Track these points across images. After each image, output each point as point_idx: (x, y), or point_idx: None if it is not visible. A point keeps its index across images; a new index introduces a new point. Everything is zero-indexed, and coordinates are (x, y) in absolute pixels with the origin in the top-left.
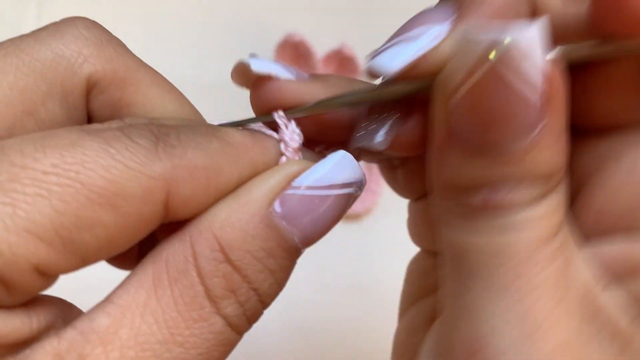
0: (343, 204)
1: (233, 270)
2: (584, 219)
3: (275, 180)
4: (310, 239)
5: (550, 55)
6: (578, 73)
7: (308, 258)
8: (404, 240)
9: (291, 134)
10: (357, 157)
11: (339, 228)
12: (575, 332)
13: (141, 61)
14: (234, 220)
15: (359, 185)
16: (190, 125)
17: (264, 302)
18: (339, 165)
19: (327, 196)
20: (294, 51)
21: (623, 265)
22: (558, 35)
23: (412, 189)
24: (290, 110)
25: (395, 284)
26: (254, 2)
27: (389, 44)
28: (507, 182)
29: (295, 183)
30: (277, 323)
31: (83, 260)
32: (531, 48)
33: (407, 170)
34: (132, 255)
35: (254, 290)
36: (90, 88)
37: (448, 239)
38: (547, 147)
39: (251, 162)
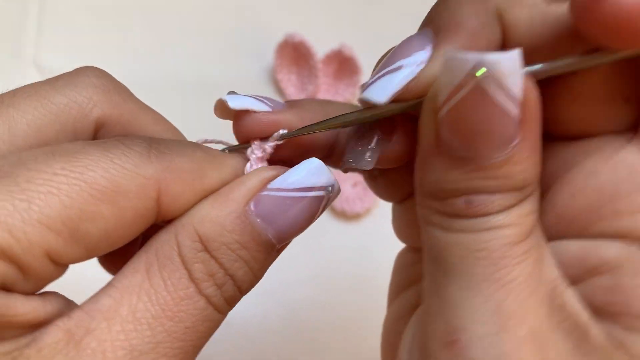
0: (314, 206)
1: (210, 258)
2: (547, 220)
3: (252, 183)
4: (284, 236)
5: (525, 75)
6: (547, 84)
7: (308, 258)
8: None
9: (258, 158)
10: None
11: (339, 228)
12: (543, 322)
13: (144, 104)
14: (212, 216)
15: (331, 189)
16: (181, 141)
17: (240, 287)
18: (310, 171)
19: (299, 198)
20: (294, 51)
21: (578, 267)
22: (526, 55)
23: (393, 195)
24: (266, 138)
25: None
26: (254, 2)
27: (377, 76)
28: (484, 191)
29: (270, 186)
30: (277, 323)
31: (87, 250)
32: (512, 68)
33: (387, 179)
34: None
35: (229, 277)
36: (99, 128)
37: (430, 237)
38: (522, 160)
39: (231, 168)
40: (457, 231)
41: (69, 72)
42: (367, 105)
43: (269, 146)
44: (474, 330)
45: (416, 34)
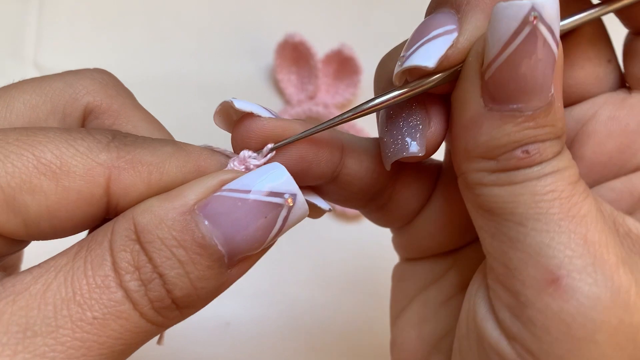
0: (268, 211)
1: (140, 250)
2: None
3: (209, 183)
4: (233, 245)
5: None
6: None
7: (308, 258)
8: None
9: (248, 160)
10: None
11: (339, 228)
12: (620, 249)
13: (138, 104)
14: (154, 208)
15: (290, 197)
16: (159, 138)
17: (171, 291)
18: (269, 174)
19: (251, 200)
20: (294, 51)
21: (627, 200)
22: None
23: (392, 224)
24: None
25: None
26: (254, 2)
27: (415, 47)
28: (537, 140)
29: (225, 187)
30: (277, 323)
31: (25, 223)
32: (557, 12)
33: (384, 214)
34: None
35: (158, 275)
36: (87, 114)
37: (487, 199)
38: (559, 108)
39: (198, 168)
40: (521, 181)
41: (78, 69)
42: (414, 73)
43: (254, 157)
44: (572, 264)
45: (436, 13)
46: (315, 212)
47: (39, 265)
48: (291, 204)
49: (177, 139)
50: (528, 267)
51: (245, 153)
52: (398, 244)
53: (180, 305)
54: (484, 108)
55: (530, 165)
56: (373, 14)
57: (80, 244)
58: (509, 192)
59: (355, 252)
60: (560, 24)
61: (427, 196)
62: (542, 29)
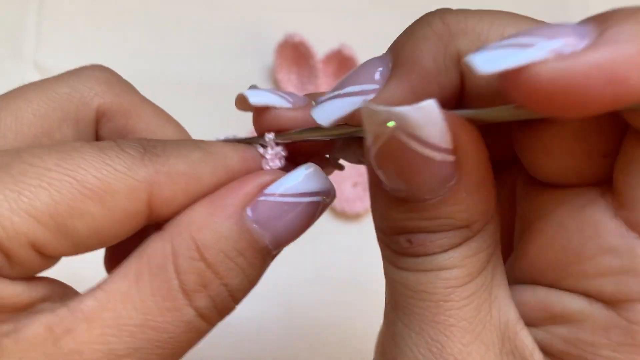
0: (311, 211)
1: (206, 268)
2: (520, 263)
3: (249, 188)
4: (281, 242)
5: (456, 119)
6: (521, 130)
7: (308, 258)
8: None
9: (274, 154)
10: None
11: (339, 228)
12: None
13: (144, 97)
14: (210, 223)
15: (327, 195)
16: (180, 140)
17: (234, 296)
18: (308, 176)
19: (296, 203)
20: (294, 51)
21: (541, 312)
22: (479, 100)
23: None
24: (283, 133)
25: None
26: (254, 2)
27: (327, 97)
28: (424, 231)
29: (267, 191)
30: (277, 323)
31: (74, 245)
32: (426, 118)
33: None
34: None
35: (224, 286)
36: (100, 117)
37: (384, 272)
38: (461, 200)
39: (227, 169)
40: (401, 269)
41: (75, 69)
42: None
43: (281, 156)
44: None
45: (376, 59)
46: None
47: (99, 288)
48: (327, 201)
49: None
50: (387, 354)
51: (266, 135)
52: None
53: (238, 302)
54: (376, 183)
55: (412, 256)
56: (373, 14)
57: (138, 265)
58: (392, 274)
59: (356, 251)
60: (464, 115)
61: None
62: (402, 136)
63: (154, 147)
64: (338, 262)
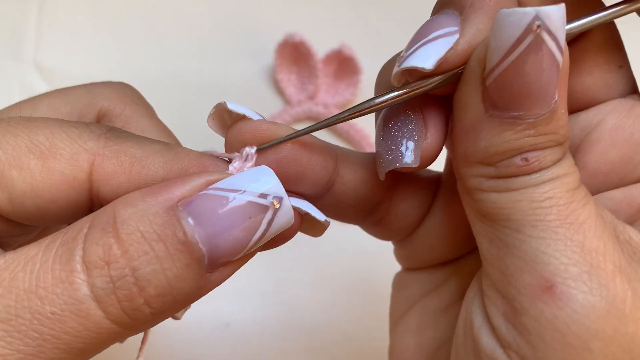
0: (253, 213)
1: (114, 243)
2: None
3: (194, 181)
4: (215, 246)
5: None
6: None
7: (308, 259)
8: None
9: (238, 168)
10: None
11: (339, 228)
12: (620, 256)
13: (151, 112)
14: (137, 201)
15: (275, 199)
16: (155, 139)
17: (144, 289)
18: (256, 175)
19: (236, 200)
20: (294, 51)
21: (626, 210)
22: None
23: (392, 237)
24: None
25: None
26: (254, 2)
27: (415, 47)
28: (537, 148)
29: (211, 186)
30: (277, 323)
31: (10, 199)
32: (562, 20)
33: (383, 228)
34: None
35: (131, 269)
36: (101, 117)
37: (485, 204)
38: (562, 115)
39: (182, 168)
40: (518, 188)
41: (103, 81)
42: (412, 74)
43: (251, 155)
44: (567, 271)
45: (440, 14)
46: (314, 228)
47: (14, 250)
48: (277, 206)
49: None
50: (523, 274)
51: (250, 150)
52: (399, 255)
53: (152, 306)
54: (484, 114)
55: (528, 173)
56: (373, 14)
57: (54, 235)
58: (507, 199)
59: (355, 253)
60: (567, 28)
61: (426, 209)
62: (546, 37)
63: (119, 132)
64: (338, 263)
